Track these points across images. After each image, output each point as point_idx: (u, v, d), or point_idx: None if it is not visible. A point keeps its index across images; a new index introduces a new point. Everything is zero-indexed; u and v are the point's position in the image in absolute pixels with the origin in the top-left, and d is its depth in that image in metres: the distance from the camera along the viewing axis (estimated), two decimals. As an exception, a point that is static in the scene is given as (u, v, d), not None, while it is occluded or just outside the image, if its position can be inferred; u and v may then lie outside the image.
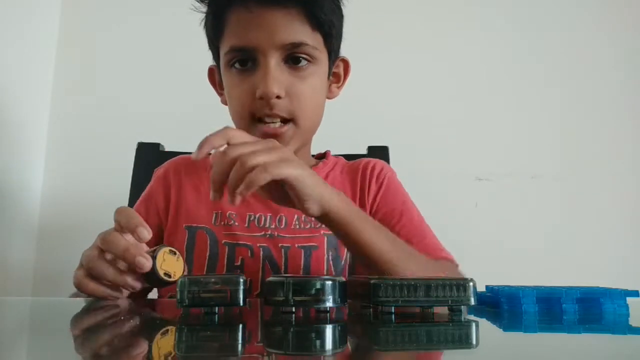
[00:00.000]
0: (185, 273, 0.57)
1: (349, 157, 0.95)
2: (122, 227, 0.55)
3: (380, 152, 1.01)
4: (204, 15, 0.78)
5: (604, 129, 1.35)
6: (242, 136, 0.56)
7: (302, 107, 0.73)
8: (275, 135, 0.73)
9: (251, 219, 0.77)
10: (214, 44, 0.78)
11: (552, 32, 1.38)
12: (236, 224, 0.77)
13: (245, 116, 0.74)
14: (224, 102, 0.82)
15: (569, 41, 1.37)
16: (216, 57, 0.79)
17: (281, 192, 0.57)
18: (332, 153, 0.91)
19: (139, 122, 1.26)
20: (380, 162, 0.86)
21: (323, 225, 0.70)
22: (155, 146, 1.00)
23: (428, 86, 1.33)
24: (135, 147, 1.00)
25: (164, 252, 0.55)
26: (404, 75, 1.33)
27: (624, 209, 1.31)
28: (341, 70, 0.84)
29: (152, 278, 0.55)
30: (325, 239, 0.75)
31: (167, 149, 1.01)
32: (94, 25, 1.31)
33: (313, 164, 0.86)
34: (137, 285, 0.55)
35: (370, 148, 1.02)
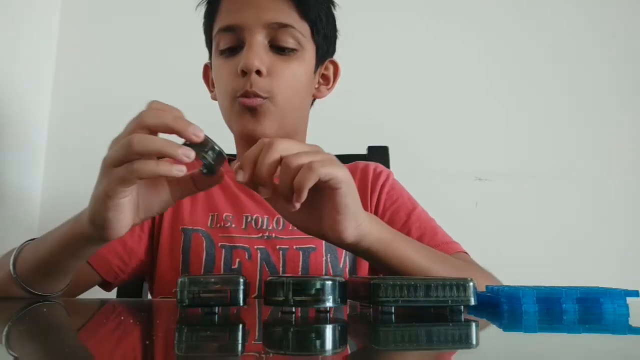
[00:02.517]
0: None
1: (349, 157, 0.95)
2: (163, 127, 0.47)
3: (380, 152, 1.01)
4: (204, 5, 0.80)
5: (604, 129, 1.35)
6: (287, 142, 0.50)
7: (281, 86, 0.73)
8: (251, 107, 0.72)
9: (248, 220, 0.76)
10: (209, 34, 0.79)
11: (552, 32, 1.38)
12: (233, 225, 0.75)
13: (228, 95, 0.74)
14: (214, 97, 0.82)
15: (569, 41, 1.37)
16: (210, 51, 0.80)
17: (308, 214, 0.52)
18: (332, 153, 0.91)
19: (139, 122, 1.26)
20: (379, 165, 0.87)
21: None
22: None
23: (428, 86, 1.33)
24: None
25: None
26: (404, 76, 1.32)
27: (623, 209, 1.31)
28: (331, 73, 0.84)
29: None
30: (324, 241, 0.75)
31: (167, 149, 1.01)
32: (94, 25, 1.31)
33: None
34: (191, 154, 0.46)
35: (370, 148, 1.02)
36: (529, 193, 1.30)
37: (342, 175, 0.49)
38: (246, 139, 0.76)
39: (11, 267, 0.57)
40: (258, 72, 0.70)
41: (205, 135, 0.48)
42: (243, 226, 0.76)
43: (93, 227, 0.49)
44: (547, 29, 1.38)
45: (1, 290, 0.58)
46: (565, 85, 1.36)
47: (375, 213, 0.79)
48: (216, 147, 0.49)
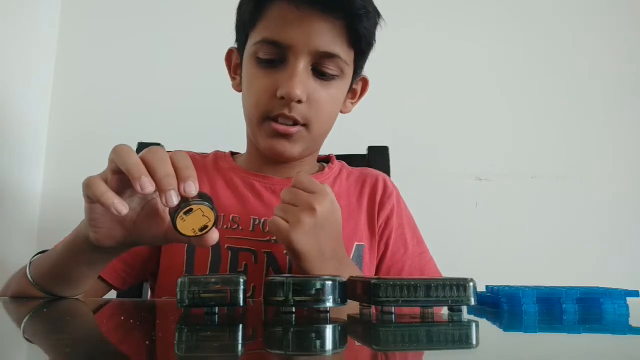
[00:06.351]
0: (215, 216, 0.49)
1: (349, 157, 0.95)
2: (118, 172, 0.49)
3: (380, 152, 1.01)
4: None
5: (604, 129, 1.35)
6: (302, 181, 0.63)
7: (319, 114, 0.73)
8: (284, 134, 0.72)
9: (256, 223, 0.75)
10: (245, 30, 0.76)
11: (553, 31, 1.38)
12: (240, 227, 0.74)
13: (259, 112, 0.73)
14: (236, 88, 0.80)
15: (569, 41, 1.37)
16: (242, 41, 0.77)
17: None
18: (332, 153, 0.91)
19: (139, 122, 1.26)
20: (387, 180, 0.87)
21: None
22: (155, 146, 1.00)
23: (428, 86, 1.33)
24: (135, 147, 1.00)
25: (179, 222, 0.47)
26: (404, 75, 1.32)
27: (623, 208, 1.31)
28: (359, 88, 0.83)
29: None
30: (343, 244, 0.72)
31: (167, 149, 1.01)
32: (94, 25, 1.31)
33: (318, 169, 0.86)
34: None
35: (370, 148, 1.02)
36: (529, 193, 1.30)
37: (301, 249, 0.61)
38: (272, 156, 0.77)
39: (28, 274, 0.59)
40: (298, 100, 0.70)
41: (197, 195, 0.48)
42: (250, 228, 0.74)
43: (86, 226, 0.53)
44: (547, 29, 1.38)
45: (25, 293, 0.60)
46: (566, 86, 1.36)
47: (380, 229, 0.81)
48: (190, 208, 0.47)
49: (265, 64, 0.72)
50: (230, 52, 0.82)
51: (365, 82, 0.84)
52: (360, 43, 0.73)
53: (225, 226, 0.74)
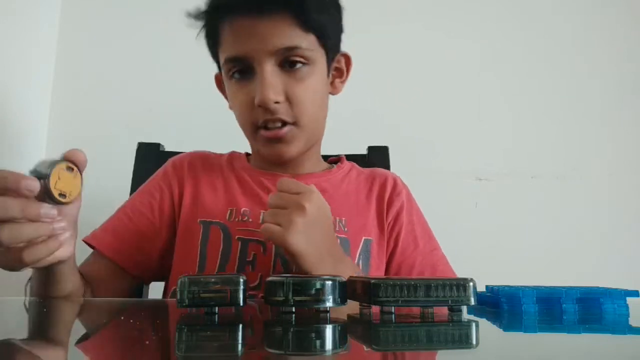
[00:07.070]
0: (80, 191, 0.53)
1: (349, 157, 0.95)
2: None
3: (380, 152, 1.01)
4: (200, 28, 0.79)
5: (604, 129, 1.35)
6: (287, 184, 0.64)
7: (303, 109, 0.74)
8: (276, 138, 0.74)
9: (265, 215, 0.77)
10: (214, 53, 0.79)
11: (552, 31, 1.38)
12: (250, 220, 0.76)
13: (247, 125, 0.76)
14: (230, 108, 0.82)
15: (569, 40, 1.37)
16: (219, 66, 0.80)
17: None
18: (332, 153, 0.91)
19: (139, 122, 1.26)
20: (397, 179, 0.87)
21: (337, 227, 0.75)
22: (155, 146, 1.00)
23: (428, 86, 1.33)
24: (135, 147, 1.00)
25: (59, 170, 0.50)
26: (404, 75, 1.33)
27: (624, 208, 1.31)
28: (343, 65, 0.84)
29: (48, 199, 0.50)
30: (337, 240, 0.74)
31: (167, 149, 1.01)
32: (94, 25, 1.31)
33: (326, 167, 0.87)
34: (52, 212, 0.49)
35: (370, 148, 1.02)
36: (529, 193, 1.31)
37: (299, 249, 0.60)
38: (275, 161, 0.79)
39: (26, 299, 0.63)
40: (276, 102, 0.71)
41: (47, 184, 0.50)
42: (260, 221, 0.76)
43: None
44: (547, 28, 1.38)
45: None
46: (565, 85, 1.36)
47: (390, 226, 0.82)
48: (57, 199, 0.51)
49: (240, 79, 0.74)
50: (217, 78, 0.85)
51: (347, 58, 0.84)
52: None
53: (237, 219, 0.76)
